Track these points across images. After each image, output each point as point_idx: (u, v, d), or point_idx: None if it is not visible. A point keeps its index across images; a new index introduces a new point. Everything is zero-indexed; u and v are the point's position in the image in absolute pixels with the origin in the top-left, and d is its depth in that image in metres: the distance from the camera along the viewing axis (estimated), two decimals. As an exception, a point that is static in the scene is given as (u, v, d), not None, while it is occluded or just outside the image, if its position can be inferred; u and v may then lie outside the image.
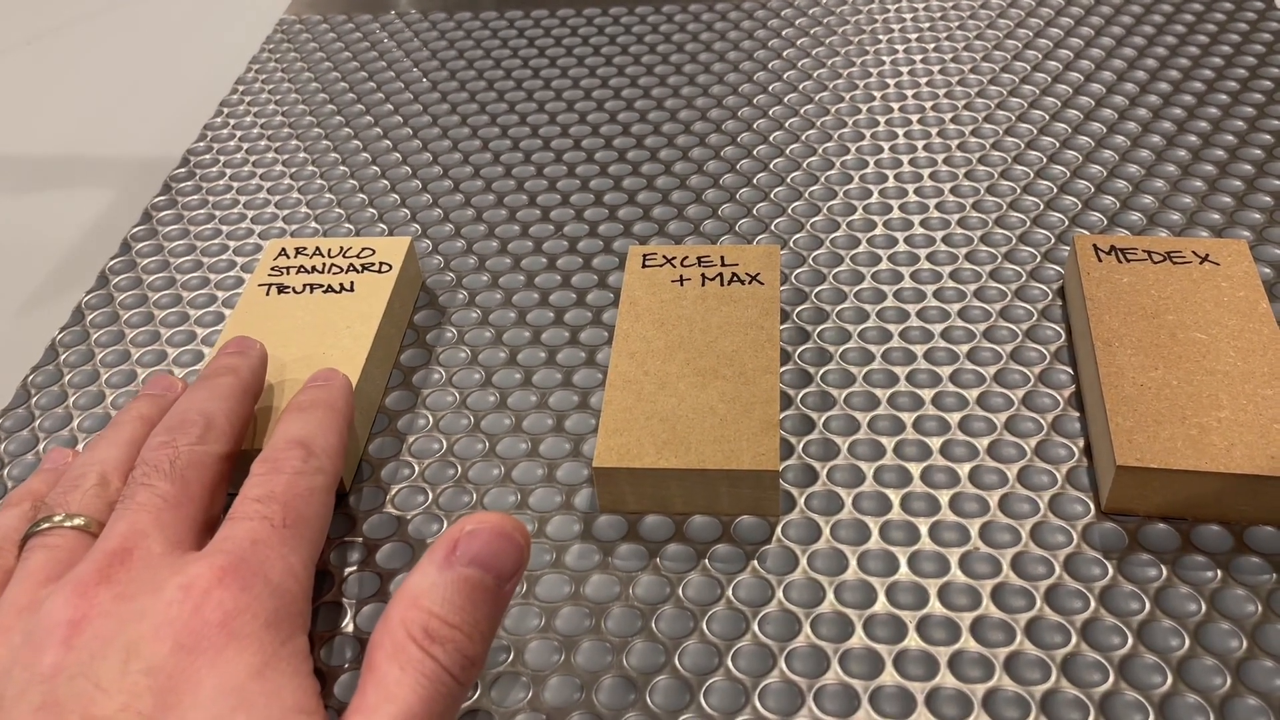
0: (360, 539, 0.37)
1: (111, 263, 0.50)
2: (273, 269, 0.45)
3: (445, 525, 0.37)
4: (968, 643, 0.32)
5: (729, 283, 0.42)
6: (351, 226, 0.51)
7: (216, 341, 0.42)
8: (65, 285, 0.51)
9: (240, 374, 0.36)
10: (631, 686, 0.32)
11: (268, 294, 0.43)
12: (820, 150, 0.53)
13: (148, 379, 0.40)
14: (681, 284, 0.42)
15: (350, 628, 0.34)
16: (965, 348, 0.42)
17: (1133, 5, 0.61)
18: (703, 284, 0.42)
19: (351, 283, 0.44)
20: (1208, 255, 0.41)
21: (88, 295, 0.48)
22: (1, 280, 0.52)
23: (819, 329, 0.43)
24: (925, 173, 0.51)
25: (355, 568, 0.36)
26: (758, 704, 0.31)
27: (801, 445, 0.39)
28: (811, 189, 0.51)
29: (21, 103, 0.67)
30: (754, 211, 0.50)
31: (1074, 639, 0.32)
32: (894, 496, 0.37)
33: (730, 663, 0.33)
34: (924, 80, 0.57)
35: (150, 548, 0.29)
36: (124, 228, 0.53)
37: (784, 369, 0.42)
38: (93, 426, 0.42)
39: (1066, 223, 0.47)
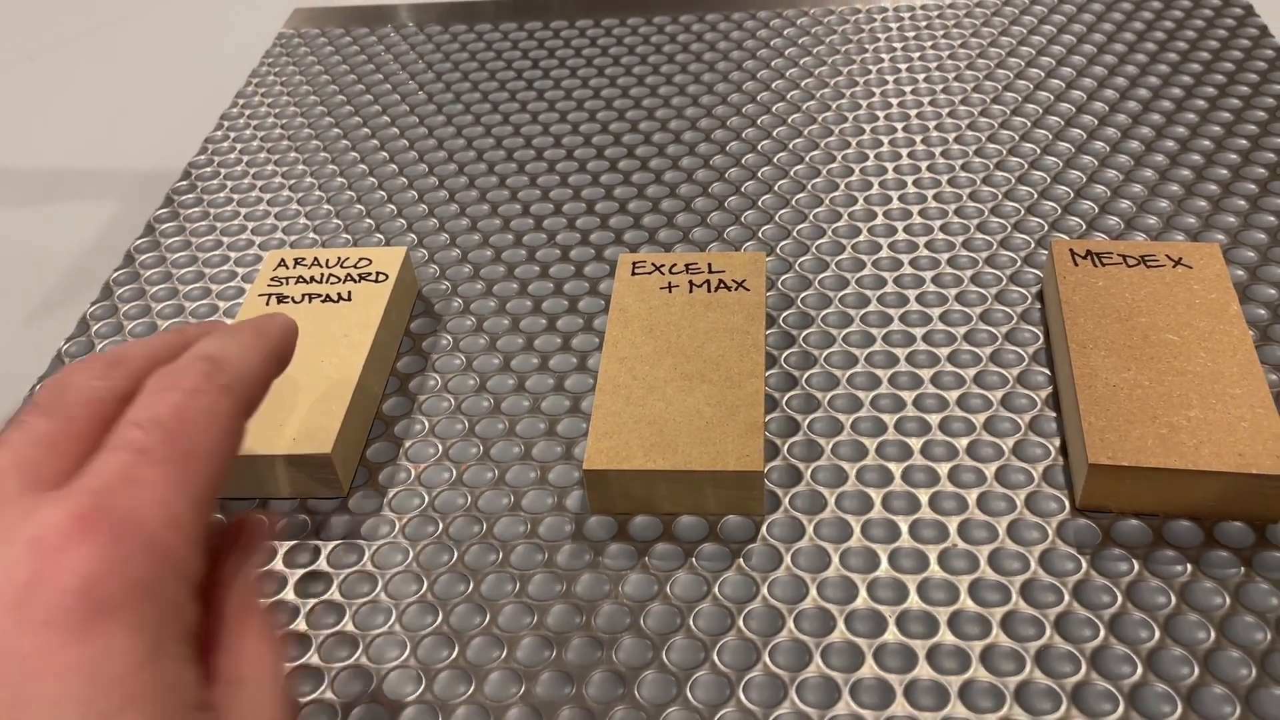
0: (358, 540, 0.38)
1: (115, 274, 0.51)
2: (272, 279, 0.46)
3: (441, 527, 0.38)
4: (945, 636, 0.34)
5: (716, 289, 0.43)
6: (349, 237, 0.52)
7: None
8: (70, 296, 0.52)
9: (186, 332, 0.31)
10: (620, 681, 0.33)
11: (267, 304, 0.45)
12: (807, 159, 0.54)
13: None
14: (670, 291, 0.43)
15: (349, 626, 0.36)
16: (946, 351, 0.43)
17: (1113, 13, 0.63)
18: (690, 290, 0.43)
19: (349, 292, 0.45)
20: (1180, 259, 0.42)
21: (92, 306, 0.49)
22: (8, 292, 0.54)
23: (804, 333, 0.44)
24: (909, 180, 0.52)
25: (353, 568, 0.37)
26: (742, 697, 0.33)
27: (786, 446, 0.40)
28: (798, 197, 0.52)
29: (27, 117, 0.68)
30: (742, 219, 0.51)
31: (1048, 632, 0.33)
32: (875, 495, 0.38)
33: (716, 657, 0.34)
34: (908, 90, 0.58)
35: (5, 489, 0.24)
36: (127, 240, 0.54)
37: (770, 373, 0.43)
38: (98, 434, 0.43)
39: (1046, 228, 0.48)
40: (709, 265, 0.44)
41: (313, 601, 0.36)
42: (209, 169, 0.58)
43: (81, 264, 0.55)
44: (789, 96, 0.59)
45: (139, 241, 0.53)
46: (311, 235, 0.53)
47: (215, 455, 0.25)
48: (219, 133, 0.61)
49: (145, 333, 0.48)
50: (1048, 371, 0.42)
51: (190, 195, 0.56)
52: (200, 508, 0.24)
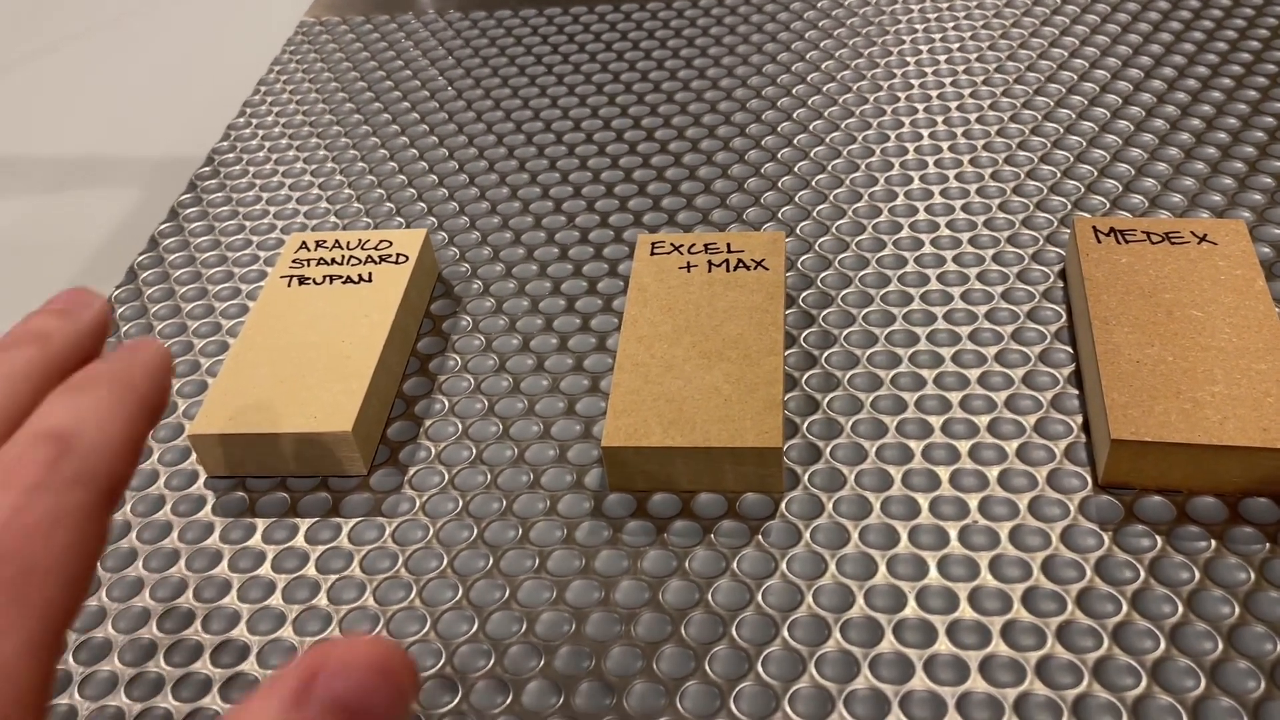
0: (379, 517, 0.38)
1: (140, 259, 0.52)
2: (294, 261, 0.46)
3: (461, 504, 0.39)
4: (965, 611, 0.33)
5: (735, 269, 0.43)
6: (370, 220, 0.52)
7: (240, 333, 0.43)
8: (96, 281, 0.52)
9: (50, 345, 0.23)
10: (639, 655, 0.33)
11: (289, 285, 0.45)
12: (827, 139, 0.54)
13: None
14: (689, 270, 0.43)
15: (370, 602, 0.36)
16: (967, 329, 0.43)
17: (1139, -8, 0.62)
18: (709, 270, 0.43)
19: (370, 274, 0.45)
20: (1205, 235, 0.42)
21: (117, 290, 0.50)
22: (36, 276, 0.54)
23: (824, 313, 0.44)
24: (930, 160, 0.52)
25: (373, 544, 0.37)
26: (761, 671, 0.33)
27: (805, 425, 0.40)
28: (818, 178, 0.51)
29: (52, 106, 0.69)
30: (761, 200, 0.51)
31: (1069, 607, 0.33)
32: (895, 472, 0.38)
33: (735, 632, 0.34)
34: (930, 69, 0.58)
35: None
36: (152, 225, 0.54)
37: (789, 352, 0.43)
38: (123, 414, 0.44)
39: (1069, 207, 0.48)
40: (728, 245, 0.44)
41: (333, 578, 0.37)
42: (231, 155, 0.58)
43: (107, 250, 0.55)
44: (809, 78, 0.59)
45: (163, 226, 0.54)
46: (333, 219, 0.53)
47: (62, 572, 0.19)
48: (242, 119, 0.61)
49: (169, 315, 0.48)
50: (1070, 349, 0.41)
51: (213, 181, 0.57)
52: (39, 647, 0.18)
